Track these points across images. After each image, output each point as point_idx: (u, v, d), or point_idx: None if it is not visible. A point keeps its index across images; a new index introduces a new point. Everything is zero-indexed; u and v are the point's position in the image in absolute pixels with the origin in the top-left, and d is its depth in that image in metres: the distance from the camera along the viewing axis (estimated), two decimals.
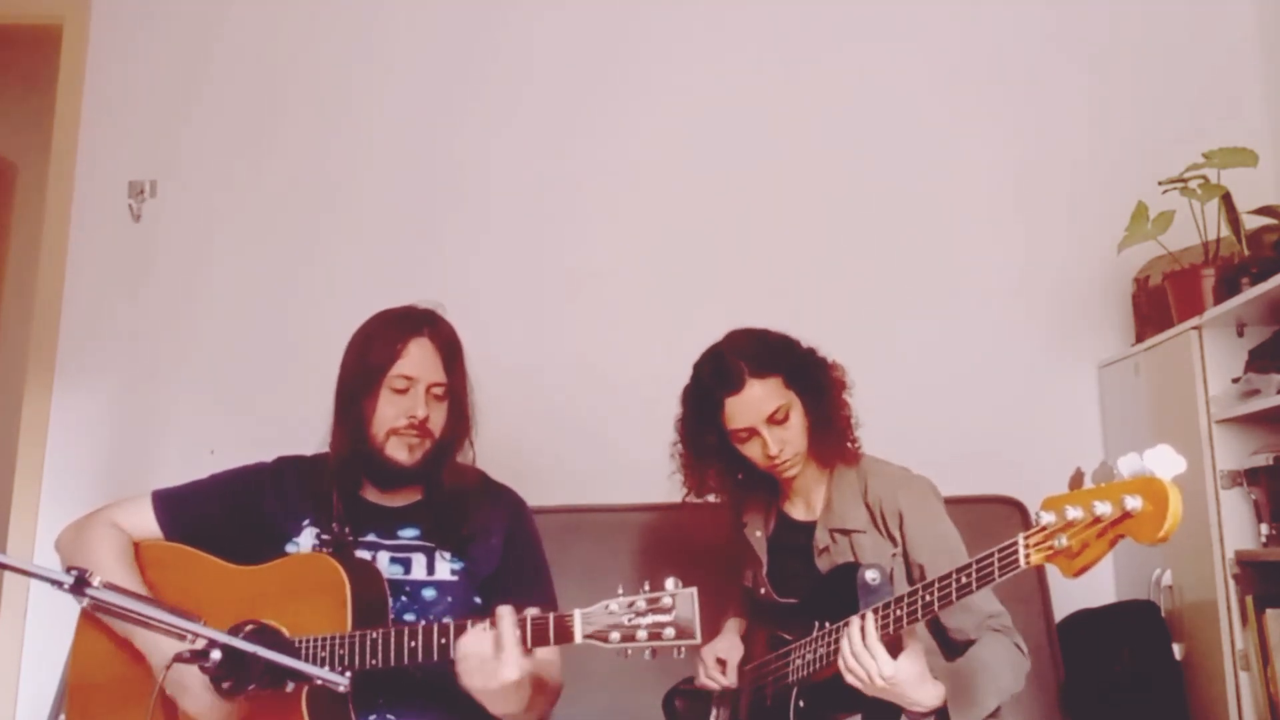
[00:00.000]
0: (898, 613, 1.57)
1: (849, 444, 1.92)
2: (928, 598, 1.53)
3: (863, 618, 1.60)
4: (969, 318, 2.87)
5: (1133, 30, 3.00)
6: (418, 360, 1.83)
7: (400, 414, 1.81)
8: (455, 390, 1.86)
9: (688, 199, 2.97)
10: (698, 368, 1.95)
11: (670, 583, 1.49)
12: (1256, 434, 2.29)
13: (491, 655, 1.53)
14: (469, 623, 1.58)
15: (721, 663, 1.96)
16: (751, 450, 1.90)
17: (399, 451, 1.82)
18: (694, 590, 1.48)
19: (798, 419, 1.88)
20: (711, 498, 2.03)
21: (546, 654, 1.68)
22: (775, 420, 1.86)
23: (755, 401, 1.85)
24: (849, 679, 1.61)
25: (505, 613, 1.54)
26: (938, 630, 1.82)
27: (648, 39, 3.06)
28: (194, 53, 3.11)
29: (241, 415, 2.87)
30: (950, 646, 1.81)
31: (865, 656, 1.58)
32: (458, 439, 1.88)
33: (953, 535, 1.85)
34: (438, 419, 1.85)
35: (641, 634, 1.47)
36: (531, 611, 1.55)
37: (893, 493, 1.88)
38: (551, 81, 3.05)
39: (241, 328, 2.96)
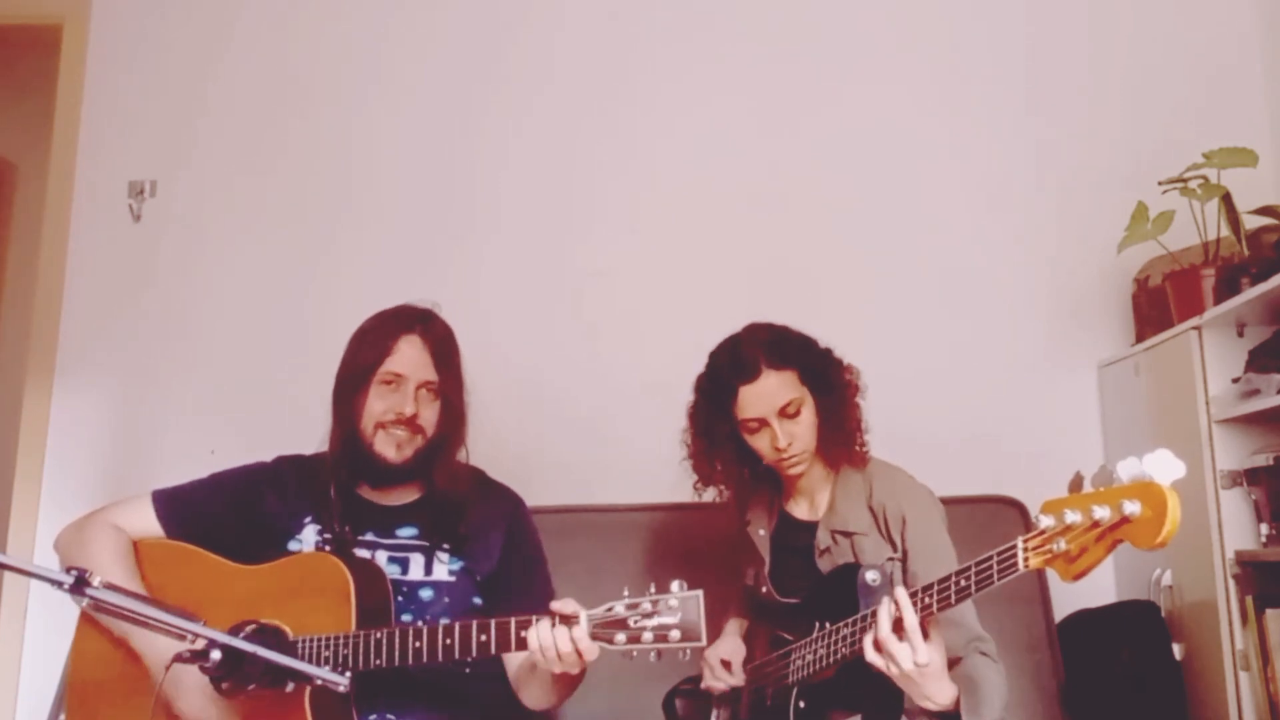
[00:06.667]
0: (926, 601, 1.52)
1: (857, 447, 1.93)
2: (926, 600, 1.52)
3: (891, 603, 1.53)
4: (968, 318, 2.87)
5: (1132, 29, 2.99)
6: (407, 358, 1.84)
7: (388, 409, 1.83)
8: (448, 389, 1.87)
9: (693, 200, 2.96)
10: (714, 356, 1.95)
11: (676, 585, 1.49)
12: (1256, 434, 2.28)
13: (571, 648, 1.53)
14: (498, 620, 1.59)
15: (726, 664, 1.96)
16: (759, 442, 1.90)
17: (387, 448, 1.83)
18: (699, 593, 1.48)
19: (809, 416, 1.89)
20: (715, 496, 2.03)
21: None
22: (787, 414, 1.86)
23: (769, 392, 1.86)
24: (876, 661, 1.53)
25: (571, 602, 1.57)
26: None
27: (661, 45, 3.05)
28: (194, 52, 3.11)
29: (241, 415, 2.87)
30: None
31: (909, 640, 1.51)
32: (451, 437, 1.88)
33: (949, 551, 1.84)
34: (429, 416, 1.85)
35: (647, 636, 1.48)
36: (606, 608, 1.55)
37: (898, 498, 1.88)
38: (560, 84, 3.04)
39: (242, 328, 2.96)
